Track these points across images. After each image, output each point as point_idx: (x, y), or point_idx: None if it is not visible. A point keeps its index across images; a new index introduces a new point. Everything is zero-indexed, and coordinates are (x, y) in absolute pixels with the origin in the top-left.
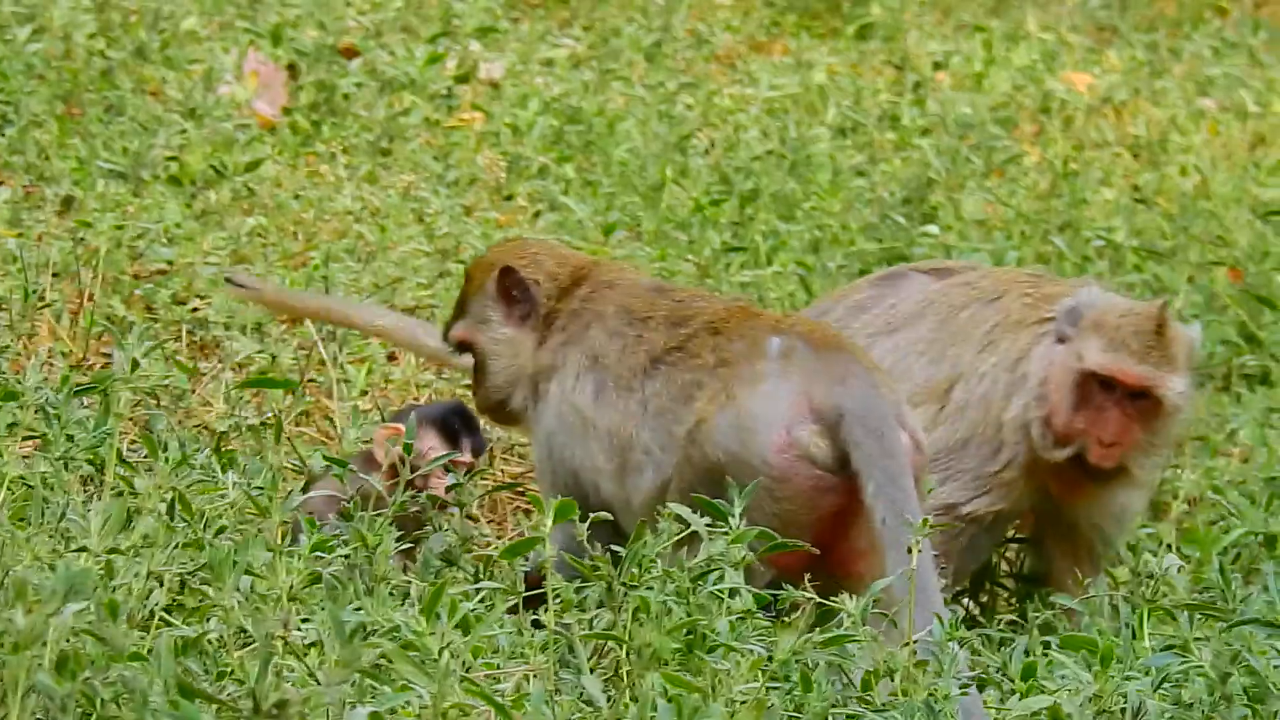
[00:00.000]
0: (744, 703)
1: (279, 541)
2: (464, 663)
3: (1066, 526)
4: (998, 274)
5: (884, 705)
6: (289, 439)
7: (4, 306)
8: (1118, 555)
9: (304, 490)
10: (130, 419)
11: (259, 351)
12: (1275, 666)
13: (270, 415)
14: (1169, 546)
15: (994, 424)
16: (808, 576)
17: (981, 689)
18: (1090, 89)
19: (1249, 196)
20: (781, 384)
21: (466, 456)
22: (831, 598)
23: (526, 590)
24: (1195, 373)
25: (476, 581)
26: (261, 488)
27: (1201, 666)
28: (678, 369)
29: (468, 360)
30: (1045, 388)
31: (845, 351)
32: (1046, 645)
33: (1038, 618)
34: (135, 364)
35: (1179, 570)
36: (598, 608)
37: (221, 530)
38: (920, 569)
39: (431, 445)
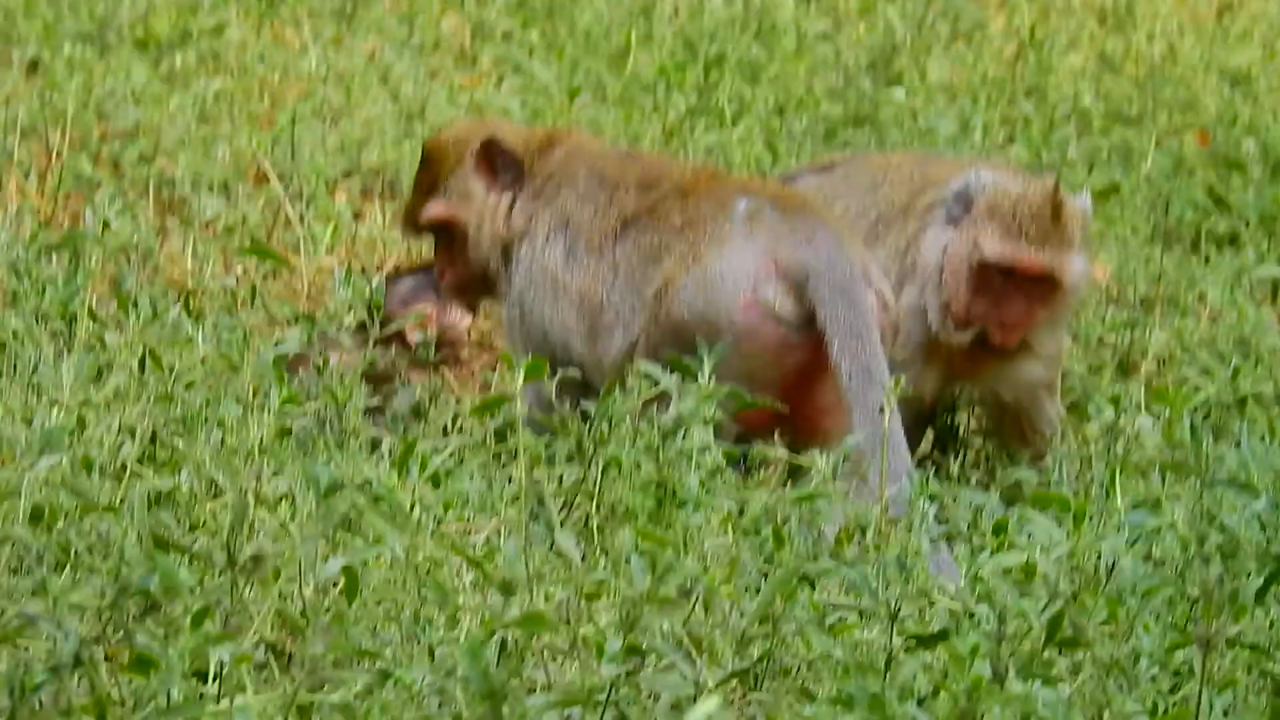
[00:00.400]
0: (715, 557)
1: (249, 396)
2: (435, 516)
3: (985, 399)
4: (876, 161)
5: (855, 561)
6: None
7: None
8: (1055, 421)
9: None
10: (99, 276)
11: (228, 210)
12: (1246, 523)
13: (239, 272)
14: (1139, 405)
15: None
16: (777, 434)
17: (950, 544)
18: None
19: (1217, 62)
20: (747, 244)
21: (469, 319)
22: (801, 454)
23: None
24: (1090, 244)
25: (445, 436)
26: (231, 343)
27: (1174, 524)
28: (646, 232)
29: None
30: (942, 275)
31: (812, 212)
32: (1012, 502)
33: (1007, 477)
34: (106, 224)
35: (1152, 426)
36: (567, 463)
37: (191, 385)
38: (891, 425)
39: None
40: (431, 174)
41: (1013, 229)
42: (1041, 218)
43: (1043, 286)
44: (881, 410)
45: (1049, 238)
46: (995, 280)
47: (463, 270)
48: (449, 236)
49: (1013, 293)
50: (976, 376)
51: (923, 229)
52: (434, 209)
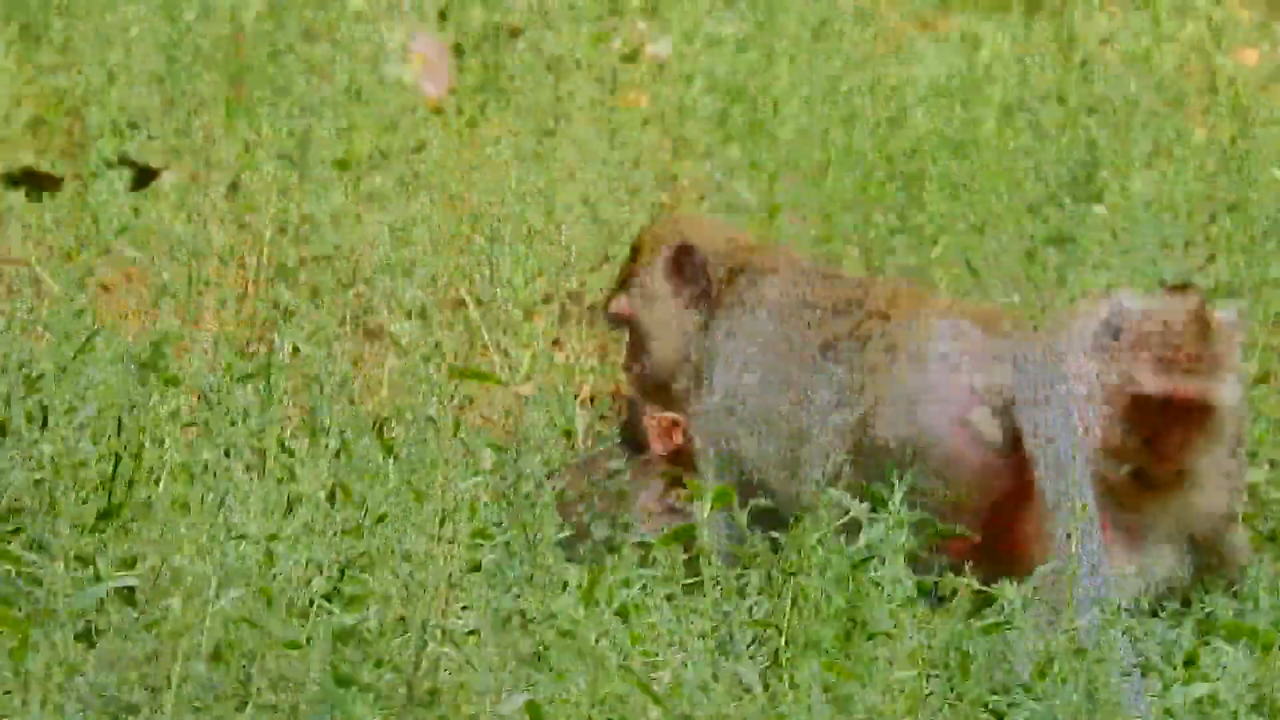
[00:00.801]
0: (901, 690)
1: (438, 527)
2: (622, 650)
3: (1158, 533)
4: None
5: (1044, 695)
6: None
7: (170, 293)
8: (1240, 548)
9: None
10: (293, 405)
11: (425, 337)
12: None
13: (435, 402)
14: None
15: None
16: (970, 564)
17: (1142, 677)
18: (1260, 64)
19: None
20: (951, 366)
21: None
22: (994, 584)
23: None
24: (1242, 360)
25: (639, 569)
26: (422, 474)
27: None
28: (848, 357)
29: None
30: (1094, 405)
31: (1016, 331)
32: (1207, 633)
33: (1203, 608)
34: (296, 349)
35: None
36: (758, 595)
37: (382, 519)
38: (1085, 553)
39: None
40: (629, 265)
41: (1165, 358)
42: (1191, 340)
43: (1200, 414)
44: (1070, 536)
45: (1201, 363)
46: (1151, 412)
47: (647, 371)
48: (635, 333)
49: (1169, 424)
50: (1140, 509)
51: (1063, 353)
52: (618, 303)
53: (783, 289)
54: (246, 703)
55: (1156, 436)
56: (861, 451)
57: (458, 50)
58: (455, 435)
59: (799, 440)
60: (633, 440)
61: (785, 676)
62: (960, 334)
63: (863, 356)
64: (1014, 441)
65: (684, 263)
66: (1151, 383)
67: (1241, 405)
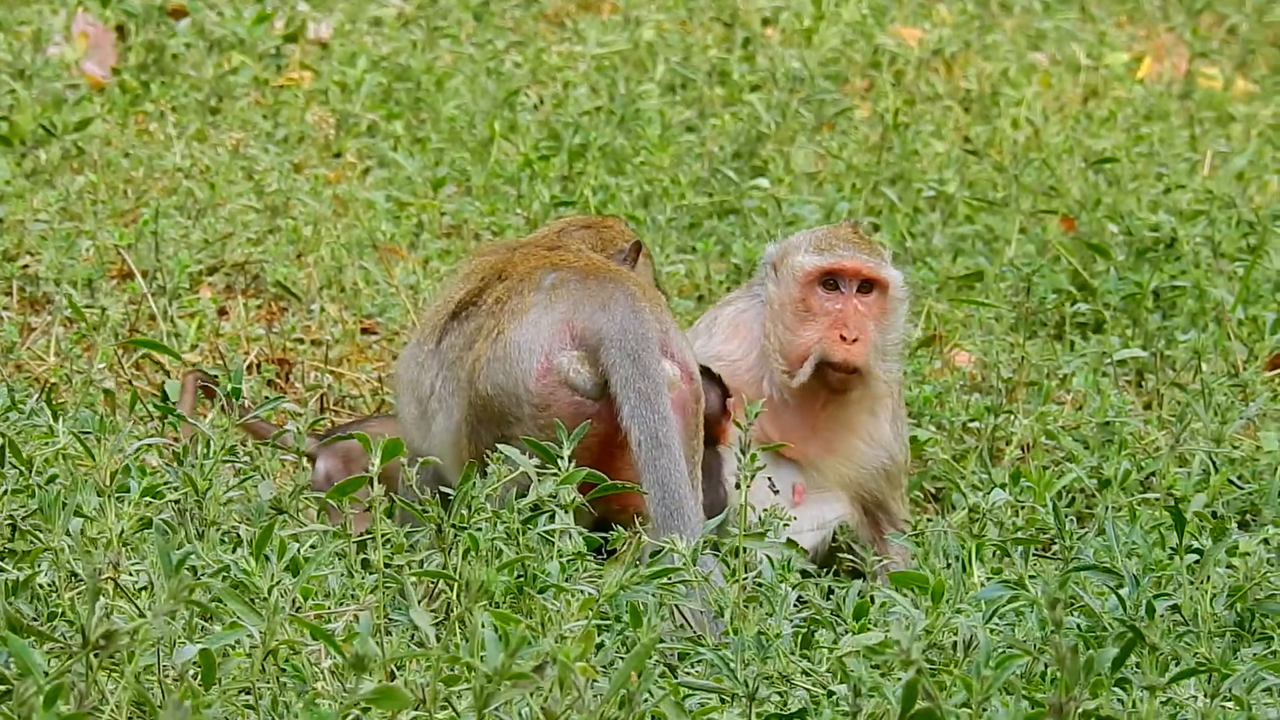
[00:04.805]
0: (573, 638)
1: (108, 486)
2: (294, 602)
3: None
4: None
5: (716, 644)
6: (129, 384)
7: None
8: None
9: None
10: None
11: (88, 306)
12: (1111, 608)
13: (102, 368)
14: (1001, 486)
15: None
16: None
17: (815, 631)
18: (920, 43)
19: (1081, 147)
20: (545, 314)
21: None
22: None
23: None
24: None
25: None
26: (90, 432)
27: (1033, 599)
28: (469, 319)
29: None
30: (770, 321)
31: (615, 280)
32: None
33: (878, 560)
34: None
35: (1004, 505)
36: (429, 549)
37: (53, 479)
38: (670, 488)
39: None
40: None
41: (823, 244)
42: (845, 233)
43: (869, 297)
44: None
45: (861, 246)
46: (823, 298)
47: None
48: None
49: (843, 303)
50: (818, 433)
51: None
52: None
53: (468, 266)
54: None
55: (831, 313)
56: (471, 403)
57: (121, 32)
58: (133, 408)
59: (426, 398)
60: None
61: (458, 627)
62: (560, 283)
63: (478, 317)
64: (605, 385)
65: None
66: (817, 261)
67: (906, 307)
